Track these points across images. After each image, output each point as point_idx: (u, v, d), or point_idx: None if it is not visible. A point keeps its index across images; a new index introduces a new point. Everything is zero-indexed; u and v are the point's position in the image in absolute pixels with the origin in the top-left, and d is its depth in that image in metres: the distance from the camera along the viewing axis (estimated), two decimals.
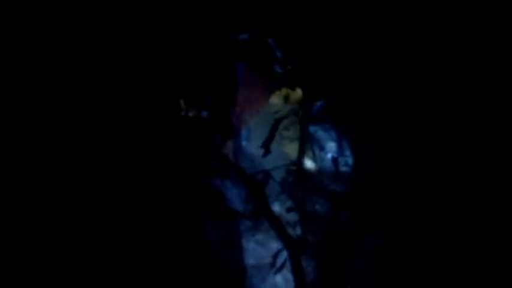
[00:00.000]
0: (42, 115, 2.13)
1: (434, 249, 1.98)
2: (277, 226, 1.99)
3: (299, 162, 2.09)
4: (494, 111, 2.05)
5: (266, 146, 2.08)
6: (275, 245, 2.00)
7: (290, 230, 2.01)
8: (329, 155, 2.13)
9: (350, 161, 2.14)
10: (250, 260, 2.02)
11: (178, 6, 2.28)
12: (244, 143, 2.20)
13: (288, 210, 2.04)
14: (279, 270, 1.96)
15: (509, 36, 2.07)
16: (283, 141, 2.20)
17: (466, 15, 2.10)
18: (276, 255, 1.97)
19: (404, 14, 2.18)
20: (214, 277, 1.99)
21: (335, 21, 2.24)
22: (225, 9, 2.29)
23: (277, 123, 2.10)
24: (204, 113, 2.22)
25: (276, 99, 2.23)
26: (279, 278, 1.97)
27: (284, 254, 1.97)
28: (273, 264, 1.96)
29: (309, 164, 2.16)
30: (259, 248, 2.03)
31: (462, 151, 2.05)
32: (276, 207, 2.06)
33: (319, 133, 2.19)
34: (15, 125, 2.09)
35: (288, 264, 1.95)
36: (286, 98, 2.22)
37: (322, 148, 2.16)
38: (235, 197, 2.12)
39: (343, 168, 2.13)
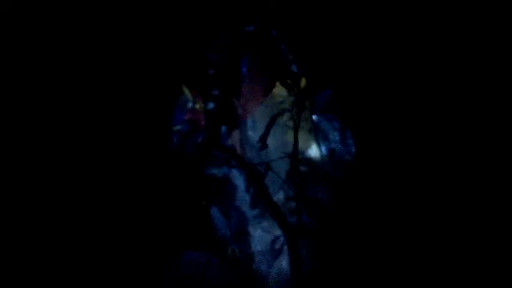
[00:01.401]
0: (41, 115, 2.16)
1: (429, 242, 2.05)
2: (277, 214, 2.07)
3: (294, 152, 2.15)
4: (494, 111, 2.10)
5: (263, 141, 2.15)
6: (280, 231, 2.09)
7: (291, 218, 2.09)
8: (332, 144, 2.20)
9: (353, 149, 2.21)
10: (257, 246, 2.11)
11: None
12: (250, 132, 2.26)
13: (288, 198, 2.11)
14: (280, 255, 2.05)
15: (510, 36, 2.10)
16: (289, 131, 2.26)
17: (466, 16, 2.13)
18: (274, 241, 2.06)
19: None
20: (222, 263, 2.08)
21: (339, 16, 2.28)
22: (230, 2, 2.34)
23: (273, 119, 2.17)
24: (211, 105, 2.29)
25: (279, 90, 2.29)
26: (284, 263, 2.06)
27: (283, 240, 2.06)
28: (272, 250, 2.05)
29: (313, 153, 2.23)
30: (266, 235, 2.11)
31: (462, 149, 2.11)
32: (280, 196, 2.14)
33: (323, 123, 2.25)
34: (15, 125, 2.13)
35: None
36: (290, 88, 2.28)
37: (325, 138, 2.23)
38: (242, 185, 2.20)
39: (346, 157, 2.20)
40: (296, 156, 2.17)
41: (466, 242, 2.03)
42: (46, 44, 2.22)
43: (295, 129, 2.23)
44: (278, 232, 2.09)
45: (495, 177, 2.09)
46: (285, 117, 2.22)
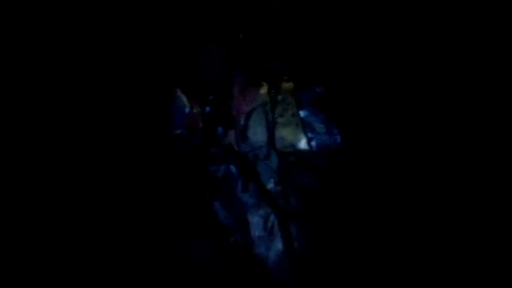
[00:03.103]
0: (41, 115, 2.27)
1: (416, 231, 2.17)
2: (269, 200, 2.30)
3: (271, 143, 2.39)
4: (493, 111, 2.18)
5: (243, 134, 2.40)
6: (274, 217, 2.32)
7: (281, 202, 2.32)
8: (318, 136, 2.42)
9: (338, 139, 2.42)
10: (256, 232, 2.33)
11: (177, 7, 2.52)
12: (243, 131, 2.49)
13: (276, 184, 2.34)
14: (276, 238, 2.27)
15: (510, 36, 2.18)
16: (278, 126, 2.48)
17: (466, 15, 2.23)
18: (270, 226, 2.28)
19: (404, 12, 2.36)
20: (225, 249, 2.30)
21: (327, 18, 2.47)
22: (221, 10, 2.55)
23: (256, 116, 2.41)
24: (207, 108, 2.52)
25: (267, 90, 2.52)
26: (280, 245, 2.28)
27: (277, 224, 2.29)
28: (269, 234, 2.28)
29: (302, 145, 2.45)
30: (263, 221, 2.34)
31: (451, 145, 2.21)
32: (271, 184, 2.37)
33: (309, 117, 2.47)
34: (14, 125, 2.23)
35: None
36: (277, 88, 2.51)
37: (312, 130, 2.45)
38: (239, 179, 2.42)
39: (332, 147, 2.41)
40: (283, 148, 2.40)
41: (464, 240, 2.09)
42: (46, 45, 2.27)
43: (286, 125, 2.46)
44: (273, 217, 2.32)
45: (493, 176, 2.14)
46: (275, 112, 2.45)
